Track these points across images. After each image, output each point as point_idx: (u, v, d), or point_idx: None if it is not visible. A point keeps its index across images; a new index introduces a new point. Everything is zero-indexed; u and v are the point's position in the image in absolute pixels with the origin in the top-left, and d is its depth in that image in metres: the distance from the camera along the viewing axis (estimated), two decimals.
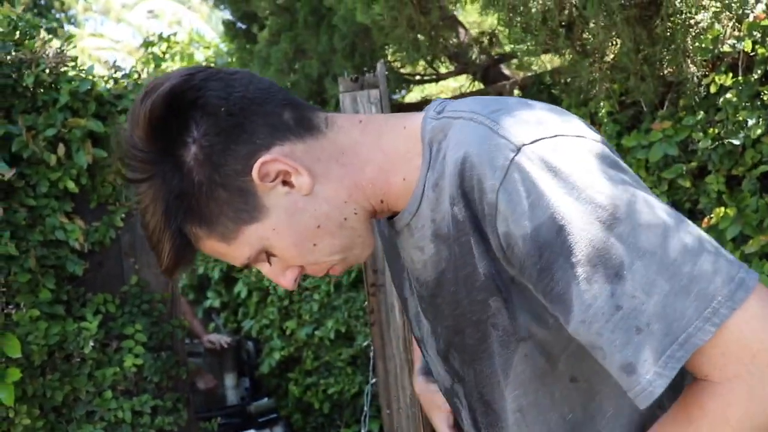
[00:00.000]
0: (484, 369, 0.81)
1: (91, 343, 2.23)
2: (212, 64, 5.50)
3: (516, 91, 3.03)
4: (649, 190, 0.71)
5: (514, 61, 3.02)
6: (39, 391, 2.15)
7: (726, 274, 0.64)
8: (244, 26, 4.47)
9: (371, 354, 3.42)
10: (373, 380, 3.42)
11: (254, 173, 0.75)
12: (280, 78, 3.69)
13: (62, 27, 12.42)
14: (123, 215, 2.44)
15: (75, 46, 2.51)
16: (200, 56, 6.11)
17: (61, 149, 2.20)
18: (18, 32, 2.25)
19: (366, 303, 3.51)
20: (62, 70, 2.30)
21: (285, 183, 0.76)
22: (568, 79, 2.58)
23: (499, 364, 0.79)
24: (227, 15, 4.83)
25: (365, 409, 3.41)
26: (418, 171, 0.79)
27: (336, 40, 3.14)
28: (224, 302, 4.56)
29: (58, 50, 2.28)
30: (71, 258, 2.28)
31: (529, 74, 2.95)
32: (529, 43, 2.38)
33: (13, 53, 2.21)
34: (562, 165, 0.67)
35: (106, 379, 2.31)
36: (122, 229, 2.46)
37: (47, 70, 2.24)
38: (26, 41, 2.26)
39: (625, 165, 0.72)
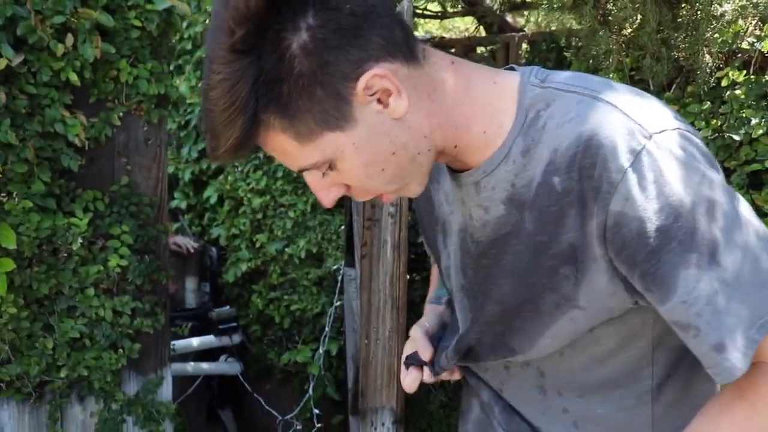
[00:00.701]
0: (522, 324, 0.87)
1: (80, 240, 2.22)
2: None
3: (524, 45, 3.03)
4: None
5: (527, 13, 3.00)
6: (26, 283, 2.15)
7: None
8: None
9: (339, 277, 3.51)
10: (338, 303, 3.53)
11: (360, 82, 0.73)
12: None
13: None
14: (121, 114, 2.38)
15: None
16: None
17: (69, 39, 2.12)
18: None
19: (341, 227, 3.57)
20: None
21: (380, 102, 0.76)
22: (582, 45, 2.60)
23: (544, 321, 0.85)
24: None
25: (326, 329, 3.53)
26: (503, 131, 0.82)
27: None
28: (191, 204, 4.54)
29: None
30: (67, 152, 2.23)
31: (540, 31, 2.95)
32: (555, 2, 2.38)
33: None
34: (684, 158, 0.74)
35: (90, 277, 2.31)
36: (118, 128, 2.41)
37: None
38: None
39: (714, 162, 0.79)
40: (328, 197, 0.82)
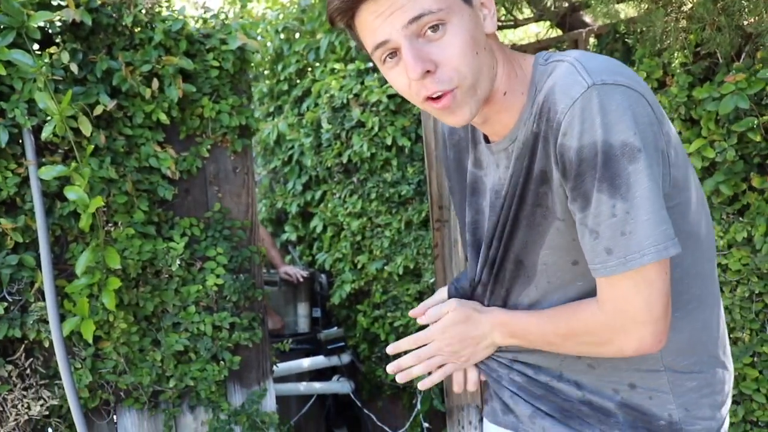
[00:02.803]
0: (527, 237, 1.07)
1: (178, 262, 2.47)
2: (296, 4, 5.62)
3: (591, 39, 3.02)
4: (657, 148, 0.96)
5: (589, 9, 3.00)
6: (133, 301, 2.41)
7: (664, 235, 0.93)
8: None
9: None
10: None
11: None
12: None
13: None
14: (209, 147, 2.63)
15: None
16: None
17: (155, 84, 2.40)
18: None
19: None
20: (157, 10, 2.48)
21: (484, 17, 1.01)
22: (642, 29, 2.56)
23: (539, 232, 1.06)
24: None
25: None
26: (521, 103, 1.04)
27: None
28: (300, 236, 4.80)
29: None
30: (162, 184, 2.50)
31: (606, 23, 2.92)
32: None
33: None
34: (614, 106, 0.91)
35: (191, 295, 2.55)
36: (208, 159, 2.66)
37: (144, 11, 2.42)
38: None
39: (647, 116, 0.94)
40: (415, 68, 0.94)
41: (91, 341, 2.25)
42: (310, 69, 4.73)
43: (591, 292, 1.04)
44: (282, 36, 4.91)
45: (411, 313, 1.24)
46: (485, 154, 1.14)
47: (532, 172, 1.02)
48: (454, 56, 0.95)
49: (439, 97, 0.97)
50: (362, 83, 3.82)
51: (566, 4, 3.20)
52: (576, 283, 1.07)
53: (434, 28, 0.94)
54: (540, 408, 1.13)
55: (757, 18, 2.19)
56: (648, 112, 0.93)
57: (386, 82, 3.73)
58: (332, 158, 3.97)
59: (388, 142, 3.67)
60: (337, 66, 4.05)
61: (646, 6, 2.40)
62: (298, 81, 4.80)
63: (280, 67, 4.77)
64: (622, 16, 2.65)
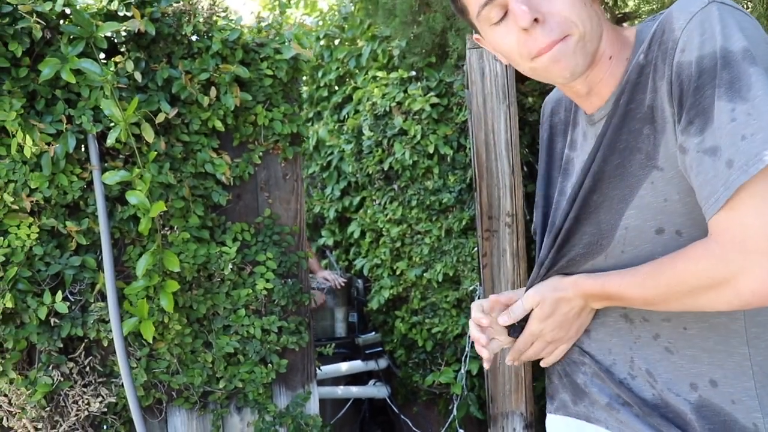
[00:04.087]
0: (612, 192, 1.01)
1: (230, 266, 2.53)
2: (336, 11, 5.69)
3: None
4: None
5: (637, 21, 3.01)
6: (187, 303, 2.48)
7: None
8: None
9: (476, 297, 3.61)
10: None
11: None
12: (404, 29, 3.82)
13: None
14: (261, 153, 2.69)
15: None
16: (323, 3, 6.30)
17: (213, 92, 2.46)
18: None
19: (474, 249, 3.68)
20: (214, 20, 2.54)
21: None
22: None
23: (630, 184, 0.99)
24: None
25: (467, 350, 3.62)
26: (625, 70, 1.03)
27: None
28: (337, 241, 4.85)
29: (211, 1, 2.52)
30: (216, 189, 2.57)
31: None
32: (654, 4, 2.40)
33: (174, 5, 2.47)
34: (733, 20, 0.91)
35: (241, 299, 2.61)
36: (259, 166, 2.72)
37: (202, 20, 2.49)
38: None
39: (764, 37, 0.93)
40: (525, 15, 0.96)
41: (150, 341, 2.31)
42: (350, 76, 4.79)
43: None
44: (322, 43, 4.98)
45: (500, 322, 1.17)
46: (582, 132, 1.13)
47: (635, 111, 0.98)
48: (564, 5, 0.97)
49: (547, 48, 0.98)
50: (405, 91, 3.86)
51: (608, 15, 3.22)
52: (654, 256, 0.98)
53: None
54: (619, 395, 1.07)
55: None
56: (763, 34, 0.92)
57: (429, 90, 3.78)
58: (373, 165, 4.01)
59: (430, 150, 3.71)
60: (379, 74, 4.10)
61: None
62: (337, 87, 4.86)
63: (320, 74, 4.83)
64: None
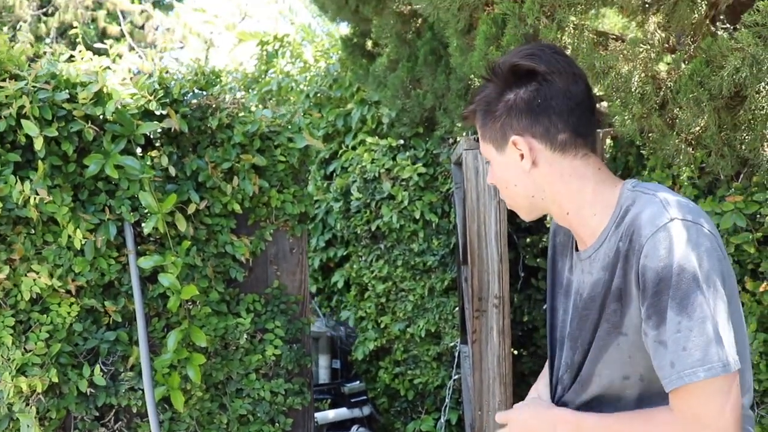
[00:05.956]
0: (587, 348, 1.25)
1: (245, 336, 2.80)
2: (321, 68, 5.99)
3: (608, 141, 3.41)
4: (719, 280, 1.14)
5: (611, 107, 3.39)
6: (207, 372, 2.74)
7: (726, 356, 1.08)
8: (360, 41, 4.90)
9: (456, 353, 3.93)
10: (456, 376, 3.93)
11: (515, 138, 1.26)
12: (394, 101, 4.15)
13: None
14: (272, 231, 2.98)
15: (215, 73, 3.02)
16: (309, 54, 6.61)
17: (235, 181, 2.74)
18: (205, 80, 2.79)
19: (455, 309, 4.01)
20: (235, 112, 2.83)
21: (522, 156, 1.26)
22: (654, 145, 2.95)
23: (599, 347, 1.22)
24: (343, 27, 5.30)
25: (446, 400, 3.94)
26: (607, 220, 1.24)
27: (452, 81, 3.58)
28: (320, 288, 5.14)
29: (234, 98, 2.81)
30: (233, 266, 2.84)
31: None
32: (626, 116, 2.77)
33: (199, 99, 2.75)
34: (689, 240, 1.12)
35: (252, 364, 2.87)
36: (269, 242, 3.00)
37: (226, 114, 2.77)
38: (209, 87, 2.80)
39: (714, 251, 1.15)
40: (490, 179, 1.34)
41: (181, 410, 2.56)
42: (337, 134, 5.10)
43: (633, 404, 1.21)
44: (312, 101, 5.29)
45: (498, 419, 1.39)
46: (576, 261, 1.34)
47: (610, 289, 1.19)
48: (499, 176, 1.31)
49: None
50: (394, 159, 4.19)
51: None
52: (625, 392, 1.22)
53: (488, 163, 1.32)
54: None
55: (753, 150, 2.59)
56: (714, 246, 1.13)
57: (417, 159, 4.12)
58: (361, 225, 4.32)
59: (417, 215, 4.04)
60: (369, 139, 4.42)
61: (660, 130, 2.79)
62: (324, 144, 5.16)
63: None
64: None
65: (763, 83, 2.34)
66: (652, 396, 1.22)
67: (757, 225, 2.66)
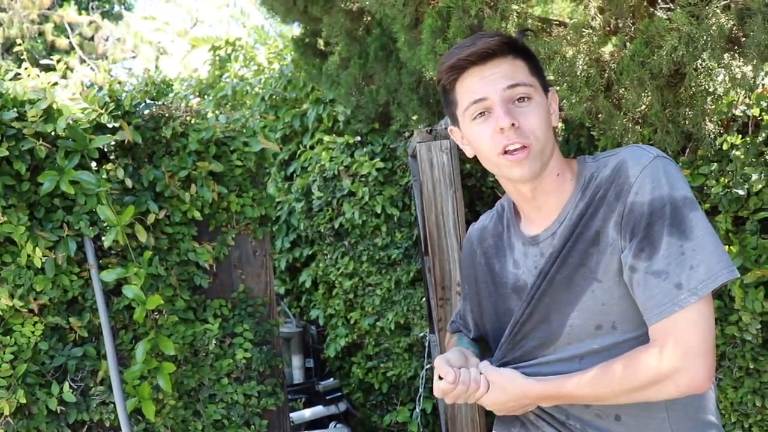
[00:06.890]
0: (561, 298, 1.25)
1: (214, 342, 2.81)
2: (275, 70, 5.98)
3: (560, 124, 3.49)
4: None
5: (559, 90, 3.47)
6: (179, 380, 2.74)
7: (728, 260, 1.14)
8: (312, 41, 4.91)
9: (426, 343, 3.98)
10: (428, 366, 3.98)
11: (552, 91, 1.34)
12: (348, 99, 4.18)
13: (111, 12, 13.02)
14: (233, 236, 2.99)
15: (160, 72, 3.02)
16: (262, 56, 6.59)
17: (192, 188, 2.75)
18: (156, 90, 2.78)
19: (422, 299, 4.06)
20: (188, 120, 2.83)
21: (554, 105, 1.31)
22: (603, 125, 3.04)
23: (575, 292, 1.23)
24: (295, 28, 5.30)
25: (420, 390, 3.99)
26: (569, 191, 1.27)
27: (404, 75, 3.62)
28: (288, 289, 5.15)
29: (187, 106, 2.81)
30: (197, 273, 2.84)
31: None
32: (573, 99, 2.85)
33: (151, 110, 2.75)
34: (673, 171, 1.20)
35: (223, 369, 2.88)
36: (232, 247, 3.01)
37: (180, 123, 2.77)
38: (161, 97, 2.79)
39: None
40: (506, 119, 1.21)
41: (153, 419, 2.56)
42: (295, 134, 5.11)
43: (604, 357, 1.20)
44: (267, 103, 5.29)
45: (444, 385, 1.27)
46: (522, 252, 1.33)
47: (583, 234, 1.22)
48: (535, 122, 1.23)
49: (514, 151, 1.22)
50: (352, 155, 4.22)
51: None
52: (592, 346, 1.22)
53: (521, 99, 1.22)
54: None
55: (696, 126, 2.68)
56: (683, 174, 1.21)
57: (374, 155, 4.15)
58: (324, 223, 4.34)
59: (378, 210, 4.07)
60: (326, 138, 4.44)
61: (608, 110, 2.87)
62: (282, 145, 5.17)
63: None
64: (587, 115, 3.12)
65: (699, 60, 2.43)
66: (624, 345, 1.22)
67: (704, 197, 2.76)
